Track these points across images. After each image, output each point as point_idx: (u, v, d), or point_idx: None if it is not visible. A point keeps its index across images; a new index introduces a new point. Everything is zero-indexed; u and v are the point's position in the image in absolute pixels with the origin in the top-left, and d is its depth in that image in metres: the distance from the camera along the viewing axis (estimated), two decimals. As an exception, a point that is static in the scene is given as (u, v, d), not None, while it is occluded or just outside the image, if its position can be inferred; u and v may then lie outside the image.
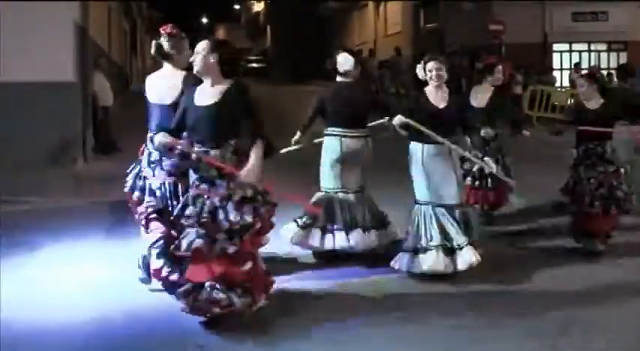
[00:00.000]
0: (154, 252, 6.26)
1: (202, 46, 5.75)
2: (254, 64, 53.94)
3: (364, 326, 5.97)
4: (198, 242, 5.56)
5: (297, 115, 20.06)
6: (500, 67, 9.58)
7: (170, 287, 6.05)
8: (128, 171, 6.71)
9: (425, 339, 5.79)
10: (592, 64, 27.63)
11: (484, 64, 9.87)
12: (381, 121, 7.90)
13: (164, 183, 6.34)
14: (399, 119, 7.14)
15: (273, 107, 22.81)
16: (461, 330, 5.96)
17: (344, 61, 7.90)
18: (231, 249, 5.57)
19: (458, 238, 7.06)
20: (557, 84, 26.22)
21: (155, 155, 6.35)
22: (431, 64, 7.23)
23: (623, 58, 27.56)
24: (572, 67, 26.51)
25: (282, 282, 6.69)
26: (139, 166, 6.58)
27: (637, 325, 6.23)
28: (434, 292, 6.85)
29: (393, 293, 6.84)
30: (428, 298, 6.70)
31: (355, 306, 6.47)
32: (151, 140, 6.27)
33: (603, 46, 28.32)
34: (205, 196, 5.63)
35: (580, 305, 6.62)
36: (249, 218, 5.60)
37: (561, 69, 28.03)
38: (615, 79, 23.79)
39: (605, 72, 25.29)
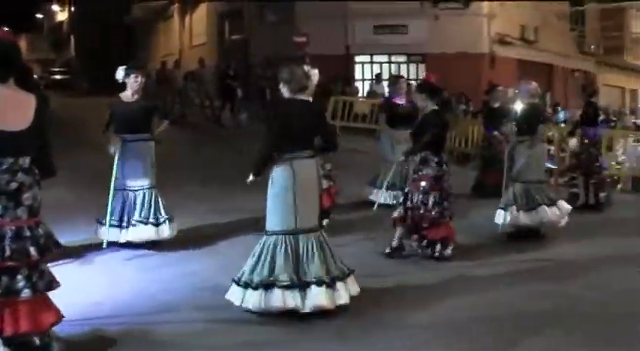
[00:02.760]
0: None
1: None
2: (57, 76, 52.05)
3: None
4: None
5: (100, 128, 19.61)
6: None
7: None
8: None
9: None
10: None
11: None
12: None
13: None
14: None
15: (78, 120, 22.13)
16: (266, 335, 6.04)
17: None
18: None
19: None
20: (360, 94, 26.88)
21: None
22: None
23: (422, 69, 28.53)
24: (374, 77, 27.25)
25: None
26: None
27: (434, 322, 6.50)
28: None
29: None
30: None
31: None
32: None
33: (403, 58, 29.24)
34: None
35: (382, 306, 6.84)
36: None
37: (363, 80, 28.75)
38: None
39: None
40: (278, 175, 6.52)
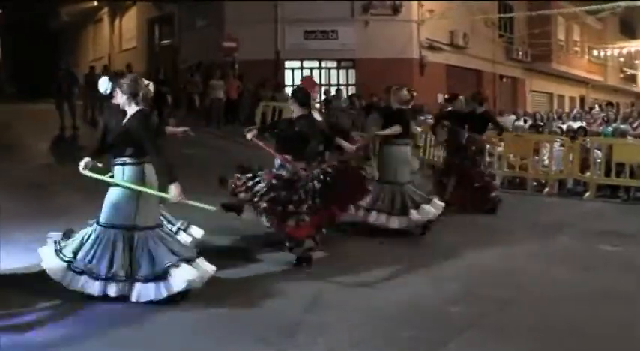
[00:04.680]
0: None
1: None
2: (-17, 81, 50.90)
3: None
4: None
5: (31, 135, 19.26)
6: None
7: None
8: None
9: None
10: (323, 80, 28.64)
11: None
12: None
13: None
14: None
15: (2, 126, 21.69)
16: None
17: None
18: None
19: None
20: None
21: None
22: None
23: (352, 74, 28.65)
24: (304, 83, 27.19)
25: None
26: None
27: (360, 325, 6.50)
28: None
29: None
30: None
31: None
32: None
33: (333, 64, 29.26)
34: None
35: (304, 310, 6.86)
36: None
37: (293, 85, 28.59)
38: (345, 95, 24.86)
39: (334, 88, 26.34)
40: (135, 175, 6.99)
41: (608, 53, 43.18)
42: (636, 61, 46.67)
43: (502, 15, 34.20)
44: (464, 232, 10.89)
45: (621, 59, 44.64)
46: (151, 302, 6.72)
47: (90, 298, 6.76)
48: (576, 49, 42.38)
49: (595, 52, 43.23)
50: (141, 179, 7.00)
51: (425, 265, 8.91)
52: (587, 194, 15.93)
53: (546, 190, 16.56)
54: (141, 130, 6.93)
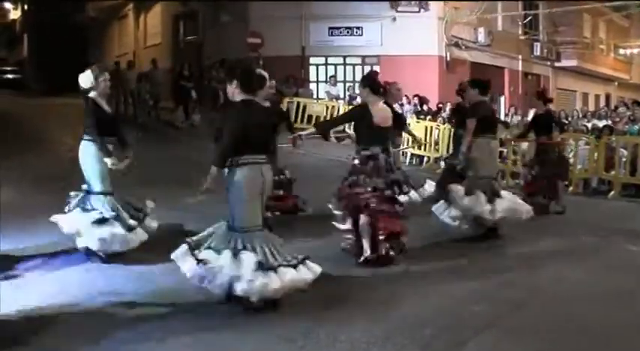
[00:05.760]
0: None
1: None
2: (9, 75, 51.07)
3: None
4: None
5: (57, 129, 19.37)
6: None
7: None
8: None
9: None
10: (348, 76, 28.63)
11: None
12: None
13: None
14: None
15: (29, 120, 21.84)
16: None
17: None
18: None
19: None
20: (315, 96, 26.81)
21: None
22: None
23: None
24: (328, 79, 27.26)
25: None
26: None
27: (381, 323, 6.49)
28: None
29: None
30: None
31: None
32: None
33: (358, 60, 29.21)
34: None
35: (325, 307, 6.85)
36: None
37: (317, 81, 28.72)
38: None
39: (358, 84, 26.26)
40: None
41: (635, 51, 42.84)
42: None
43: (527, 12, 34.00)
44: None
45: (647, 57, 44.31)
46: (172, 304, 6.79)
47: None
48: (602, 46, 42.06)
49: (621, 50, 42.92)
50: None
51: (445, 263, 8.88)
52: (612, 193, 15.82)
53: (571, 188, 16.46)
54: None
